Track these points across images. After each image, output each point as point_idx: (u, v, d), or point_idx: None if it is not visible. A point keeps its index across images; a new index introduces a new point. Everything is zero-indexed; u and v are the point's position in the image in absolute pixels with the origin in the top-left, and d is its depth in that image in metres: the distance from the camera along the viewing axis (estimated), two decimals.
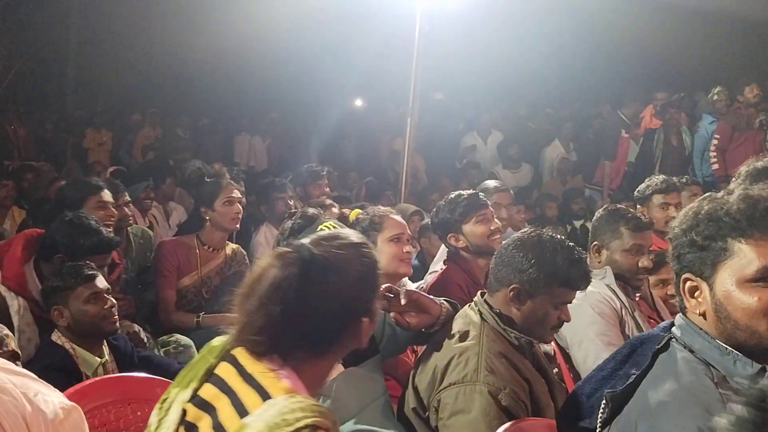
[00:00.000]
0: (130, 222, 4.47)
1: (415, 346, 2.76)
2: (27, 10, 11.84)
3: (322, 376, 1.66)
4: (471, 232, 3.40)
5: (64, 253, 3.13)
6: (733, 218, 1.50)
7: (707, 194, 1.64)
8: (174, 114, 10.99)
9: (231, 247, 4.20)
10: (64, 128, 10.90)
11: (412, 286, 3.49)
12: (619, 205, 3.42)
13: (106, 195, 3.92)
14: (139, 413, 2.19)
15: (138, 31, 11.99)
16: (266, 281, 1.56)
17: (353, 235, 1.71)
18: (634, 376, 1.59)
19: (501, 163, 8.91)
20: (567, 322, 2.30)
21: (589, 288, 3.03)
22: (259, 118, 10.95)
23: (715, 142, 7.46)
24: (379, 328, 2.29)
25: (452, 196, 3.56)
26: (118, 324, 2.94)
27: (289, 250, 1.61)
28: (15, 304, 2.98)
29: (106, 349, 2.92)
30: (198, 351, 3.41)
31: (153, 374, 2.43)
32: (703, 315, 1.55)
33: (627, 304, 3.07)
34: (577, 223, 7.19)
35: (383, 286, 2.23)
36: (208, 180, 4.68)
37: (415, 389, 2.34)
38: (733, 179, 2.90)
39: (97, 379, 2.41)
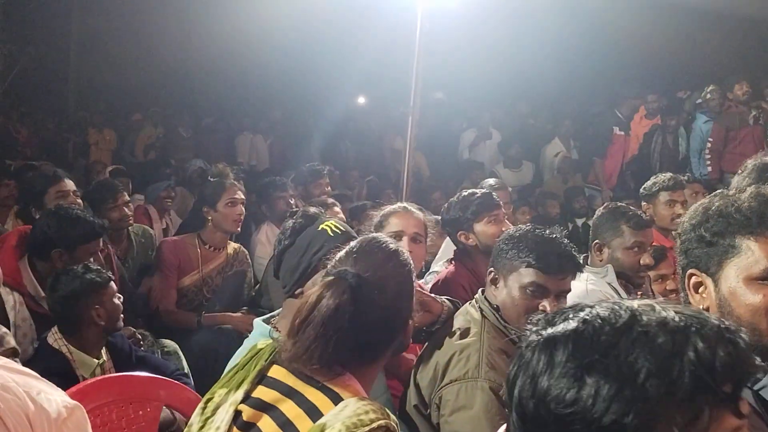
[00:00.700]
0: (130, 222, 4.47)
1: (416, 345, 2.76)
2: (29, 10, 11.86)
3: (373, 378, 1.71)
4: (482, 231, 3.38)
5: (62, 246, 3.15)
6: (743, 215, 1.50)
7: (719, 191, 1.64)
8: (176, 113, 10.99)
9: (232, 246, 4.20)
10: (66, 128, 10.91)
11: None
12: (619, 203, 3.43)
13: (67, 184, 4.04)
14: (140, 412, 2.20)
15: (140, 31, 11.99)
16: (321, 312, 1.58)
17: (387, 243, 1.75)
18: None
19: (502, 161, 8.91)
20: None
21: (591, 286, 3.05)
22: (260, 117, 10.94)
23: (709, 144, 7.46)
24: None
25: (465, 194, 3.53)
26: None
27: (335, 278, 1.64)
28: (10, 299, 2.99)
29: (103, 349, 2.92)
30: (184, 357, 3.46)
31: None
32: (707, 311, 1.54)
33: None
34: (579, 221, 7.20)
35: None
36: (212, 179, 4.68)
37: (417, 386, 2.35)
38: (739, 172, 2.90)
39: (100, 378, 2.42)
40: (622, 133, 8.42)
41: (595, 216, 3.36)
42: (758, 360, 0.90)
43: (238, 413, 1.60)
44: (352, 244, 1.75)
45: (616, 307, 0.90)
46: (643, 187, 4.41)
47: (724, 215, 1.52)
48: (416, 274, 2.90)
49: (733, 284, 1.49)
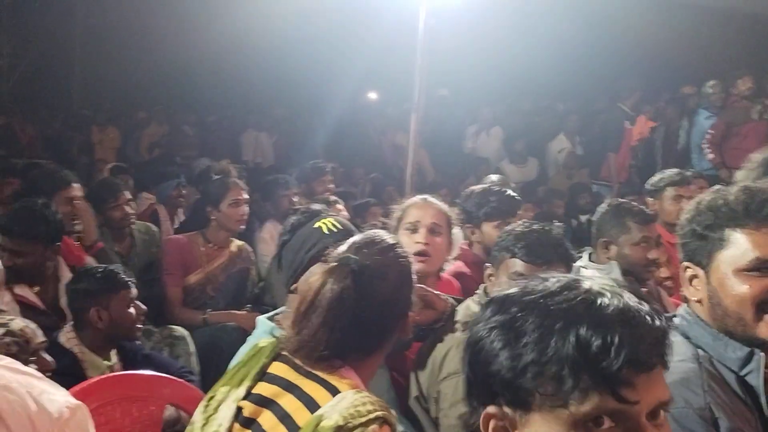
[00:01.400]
0: (132, 221, 4.46)
1: None
2: (33, 9, 11.88)
3: (373, 371, 1.74)
4: (488, 233, 3.36)
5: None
6: (730, 209, 1.54)
7: (715, 187, 1.69)
8: (180, 111, 11.00)
9: (236, 244, 4.20)
10: (71, 126, 10.92)
11: None
12: (621, 200, 3.41)
13: (74, 189, 3.96)
14: (144, 411, 2.20)
15: (143, 29, 11.99)
16: (326, 297, 1.62)
17: (386, 238, 1.78)
18: None
19: (507, 157, 8.89)
20: None
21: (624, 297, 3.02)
22: (265, 114, 10.93)
23: (708, 136, 7.40)
24: None
25: (487, 188, 3.50)
26: (140, 332, 2.99)
27: (338, 264, 1.67)
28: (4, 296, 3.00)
29: (113, 351, 2.92)
30: (194, 344, 3.47)
31: None
32: (700, 302, 1.60)
33: None
34: (584, 218, 7.17)
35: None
36: (215, 178, 4.67)
37: (417, 380, 2.36)
38: (744, 167, 2.89)
39: (103, 377, 2.42)
40: (630, 127, 8.40)
41: (597, 214, 3.35)
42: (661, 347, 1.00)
43: (239, 409, 1.62)
44: (353, 238, 1.78)
45: (557, 281, 1.04)
46: (648, 182, 4.39)
47: (713, 209, 1.57)
48: (438, 266, 2.86)
49: (722, 276, 1.53)
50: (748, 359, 1.52)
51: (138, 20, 12.05)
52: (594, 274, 3.09)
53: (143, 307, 2.96)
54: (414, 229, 2.79)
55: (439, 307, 2.36)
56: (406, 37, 5.34)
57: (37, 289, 3.24)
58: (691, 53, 9.32)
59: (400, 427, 2.34)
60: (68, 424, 1.45)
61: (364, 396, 1.52)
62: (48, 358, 2.37)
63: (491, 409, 1.05)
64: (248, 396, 1.63)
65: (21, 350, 2.23)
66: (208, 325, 3.81)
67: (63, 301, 3.19)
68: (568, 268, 2.40)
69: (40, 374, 1.57)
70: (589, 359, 0.95)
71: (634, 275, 3.14)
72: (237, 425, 1.60)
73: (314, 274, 1.70)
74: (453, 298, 2.48)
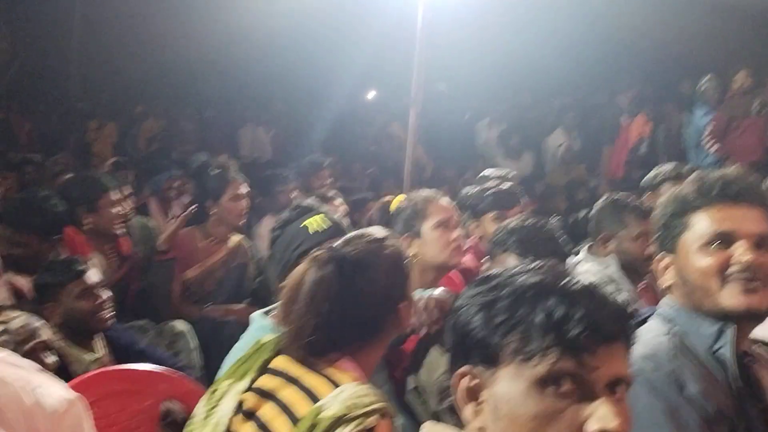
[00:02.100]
0: (128, 217, 4.43)
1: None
2: (30, 3, 11.83)
3: (373, 364, 1.75)
4: (490, 227, 3.34)
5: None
6: (687, 194, 1.69)
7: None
8: (178, 105, 10.96)
9: (235, 239, 4.19)
10: (69, 121, 10.89)
11: None
12: (619, 194, 3.41)
13: (115, 194, 3.90)
14: (141, 405, 2.20)
15: (141, 23, 11.95)
16: (307, 283, 1.65)
17: (376, 232, 1.81)
18: None
19: (502, 152, 8.88)
20: None
21: (593, 278, 3.03)
22: (262, 109, 10.91)
23: (709, 128, 7.36)
24: None
25: (482, 186, 3.50)
26: (111, 319, 2.90)
27: (322, 253, 1.70)
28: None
29: (100, 344, 2.88)
30: (195, 338, 3.47)
31: None
32: (669, 288, 1.72)
33: (631, 294, 3.07)
34: (582, 213, 7.15)
35: (422, 302, 2.27)
36: (214, 172, 4.65)
37: (415, 373, 2.36)
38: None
39: (100, 371, 2.41)
40: (627, 123, 8.38)
41: (595, 209, 3.34)
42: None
43: (241, 402, 1.63)
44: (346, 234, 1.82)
45: (530, 265, 1.17)
46: (644, 178, 4.38)
47: (673, 198, 1.72)
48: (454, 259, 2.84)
49: (687, 255, 1.65)
50: (719, 334, 1.61)
51: (136, 15, 12.00)
52: (592, 269, 3.10)
53: (104, 294, 2.87)
54: (447, 225, 2.79)
55: (447, 308, 2.36)
56: (404, 31, 5.33)
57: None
58: (690, 48, 9.29)
59: (398, 420, 2.35)
60: (64, 417, 1.44)
61: (365, 388, 1.54)
62: (49, 359, 2.34)
63: (464, 368, 1.15)
64: (250, 389, 1.65)
65: (15, 349, 2.22)
66: (206, 319, 3.80)
67: None
68: (562, 262, 2.40)
69: (36, 368, 1.56)
70: (554, 323, 1.06)
71: (633, 269, 3.15)
72: (237, 417, 1.62)
73: (300, 266, 1.73)
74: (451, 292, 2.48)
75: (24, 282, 3.13)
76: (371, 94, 11.60)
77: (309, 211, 2.29)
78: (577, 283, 1.11)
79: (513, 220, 2.43)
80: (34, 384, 1.44)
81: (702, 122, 7.53)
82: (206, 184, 4.20)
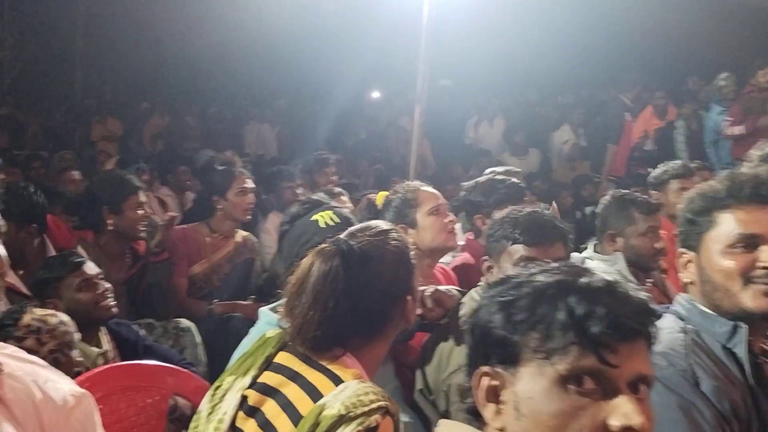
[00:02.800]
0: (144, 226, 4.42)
1: None
2: (35, 1, 11.84)
3: (378, 360, 1.73)
4: None
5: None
6: (715, 193, 1.67)
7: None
8: (183, 102, 10.97)
9: (241, 234, 4.19)
10: (74, 117, 10.91)
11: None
12: (624, 191, 3.40)
13: (143, 196, 3.82)
14: (149, 401, 2.20)
15: (145, 20, 11.96)
16: (313, 277, 1.63)
17: (381, 224, 1.79)
18: None
19: (508, 149, 8.86)
20: None
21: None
22: (267, 106, 10.92)
23: (728, 122, 7.29)
24: None
25: (493, 179, 3.50)
26: (114, 309, 2.90)
27: (328, 246, 1.68)
28: None
29: (105, 338, 2.87)
30: (199, 335, 3.46)
31: None
32: (693, 284, 1.71)
33: None
34: (588, 210, 7.15)
35: (427, 293, 2.27)
36: (220, 168, 4.64)
37: (423, 372, 2.36)
38: (745, 163, 2.88)
39: (108, 366, 2.41)
40: (632, 120, 8.34)
41: (600, 206, 3.33)
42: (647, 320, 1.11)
43: (244, 398, 1.63)
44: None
45: (541, 267, 1.17)
46: (651, 175, 4.37)
47: (701, 195, 1.70)
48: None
49: (710, 254, 1.65)
50: (733, 333, 1.62)
51: (140, 11, 12.01)
52: (599, 266, 3.09)
53: (106, 285, 2.87)
54: (439, 211, 2.90)
55: (448, 305, 2.35)
56: (409, 28, 5.32)
57: (21, 272, 3.19)
58: (699, 44, 9.25)
59: (404, 417, 2.34)
60: (73, 412, 1.44)
61: (367, 386, 1.52)
62: (76, 356, 2.33)
63: (484, 368, 1.14)
64: (253, 385, 1.64)
65: (48, 342, 2.21)
66: (212, 315, 3.80)
67: None
68: (567, 247, 2.39)
69: (45, 363, 1.56)
70: (575, 321, 1.05)
71: (640, 265, 3.14)
72: (241, 413, 1.61)
73: (305, 259, 1.71)
74: (457, 290, 2.48)
75: (12, 274, 3.10)
76: (375, 94, 11.57)
77: (319, 206, 2.28)
78: (598, 280, 1.10)
79: (507, 214, 2.40)
80: (44, 379, 1.44)
81: (718, 120, 7.48)
82: (212, 180, 4.20)
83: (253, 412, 1.60)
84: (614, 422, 1.03)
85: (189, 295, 3.95)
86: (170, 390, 2.33)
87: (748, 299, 1.59)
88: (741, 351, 1.61)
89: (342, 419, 1.45)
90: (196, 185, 6.68)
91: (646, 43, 9.76)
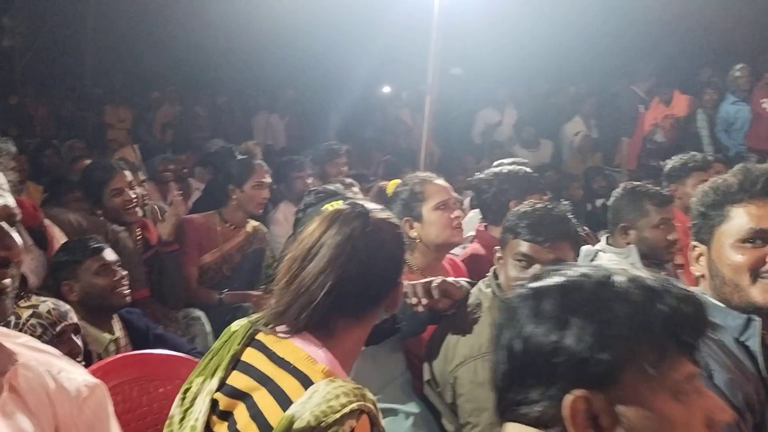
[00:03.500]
0: (146, 201, 4.43)
1: None
2: None
3: (356, 347, 1.67)
4: None
5: None
6: (729, 186, 1.67)
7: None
8: (192, 92, 10.96)
9: (252, 224, 4.20)
10: (84, 106, 10.93)
11: None
12: (636, 183, 3.37)
13: (125, 176, 3.78)
14: (161, 390, 2.21)
15: (155, 9, 11.95)
16: (329, 240, 1.58)
17: (380, 207, 1.76)
18: None
19: (518, 142, 8.82)
20: None
21: (613, 267, 3.01)
22: (276, 96, 10.90)
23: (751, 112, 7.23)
24: (400, 308, 2.29)
25: (508, 171, 3.48)
26: (128, 297, 2.93)
27: (346, 208, 1.63)
28: None
29: (117, 325, 2.90)
30: (211, 325, 3.47)
31: None
32: (704, 277, 1.72)
33: None
34: (598, 202, 7.12)
35: (433, 284, 2.26)
36: (240, 157, 4.61)
37: (430, 364, 2.36)
38: None
39: (121, 356, 2.42)
40: (643, 111, 8.29)
41: (612, 198, 3.31)
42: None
43: (215, 402, 1.58)
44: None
45: (594, 267, 1.09)
46: (668, 167, 4.32)
47: (714, 188, 1.70)
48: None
49: (721, 248, 1.65)
50: (746, 326, 1.63)
51: (150, 1, 12.01)
52: (611, 258, 3.08)
53: (122, 272, 2.90)
54: (446, 206, 2.88)
55: (456, 296, 2.35)
56: (419, 19, 5.29)
57: None
58: (714, 35, 9.17)
59: (414, 409, 2.34)
60: (87, 402, 1.43)
61: (338, 386, 1.43)
62: (79, 340, 2.36)
63: (578, 392, 1.01)
64: (222, 387, 1.59)
65: (45, 332, 2.24)
66: (223, 304, 3.81)
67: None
68: (575, 246, 2.37)
69: (58, 352, 1.56)
70: (676, 328, 1.01)
71: (654, 258, 3.13)
72: (215, 418, 1.57)
73: (311, 226, 1.66)
74: (467, 281, 2.47)
75: None
76: (386, 86, 11.52)
77: (334, 195, 2.28)
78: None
79: (522, 206, 2.40)
80: (58, 368, 1.43)
81: (731, 110, 7.43)
82: (230, 169, 4.19)
83: (225, 416, 1.56)
84: (720, 416, 1.05)
85: (199, 284, 3.96)
86: (183, 379, 2.33)
87: (758, 294, 1.60)
88: (754, 344, 1.61)
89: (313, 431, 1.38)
90: (200, 173, 6.66)
91: (662, 33, 9.67)
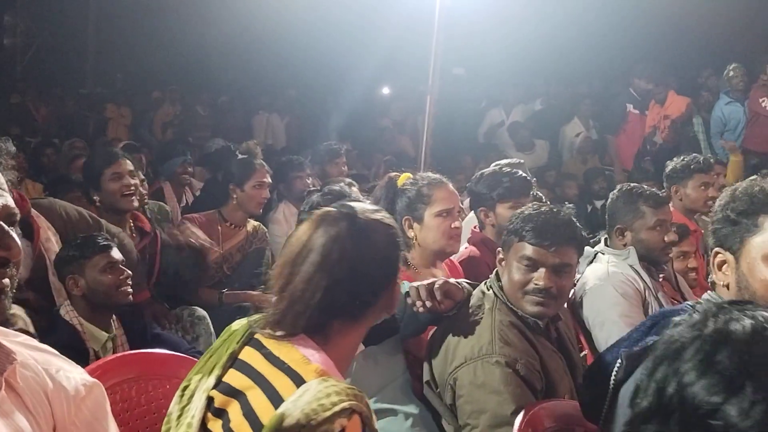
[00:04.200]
0: (146, 200, 4.43)
1: None
2: None
3: (352, 349, 1.67)
4: (502, 215, 3.31)
5: None
6: (766, 195, 1.57)
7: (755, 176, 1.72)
8: (193, 91, 10.96)
9: (252, 224, 4.21)
10: (85, 105, 10.94)
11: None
12: (632, 185, 3.38)
13: (125, 164, 3.70)
14: (160, 389, 2.20)
15: (156, 9, 11.96)
16: (317, 242, 1.57)
17: (376, 207, 1.76)
18: (652, 341, 1.62)
19: (513, 145, 8.79)
20: (545, 288, 2.25)
21: (612, 269, 3.03)
22: (277, 95, 10.89)
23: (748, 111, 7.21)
24: (400, 308, 2.29)
25: (498, 171, 3.49)
26: (130, 296, 2.94)
27: (332, 210, 1.62)
28: None
29: (115, 324, 2.92)
30: (213, 325, 3.47)
31: None
32: (727, 287, 1.62)
33: (650, 285, 3.05)
34: (598, 203, 7.12)
35: (436, 286, 2.25)
36: (241, 157, 4.62)
37: (430, 364, 2.36)
38: None
39: (119, 355, 2.43)
40: (638, 111, 8.26)
41: (608, 200, 3.32)
42: None
43: (210, 399, 1.58)
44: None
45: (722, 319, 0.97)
46: (669, 168, 4.33)
47: (748, 195, 1.60)
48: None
49: (752, 261, 1.55)
50: None
51: (151, 1, 12.01)
52: (610, 259, 3.08)
53: (127, 271, 2.91)
54: (449, 215, 2.87)
55: (458, 297, 2.35)
56: (420, 19, 5.29)
57: None
58: (713, 36, 9.16)
59: (413, 410, 2.34)
60: (85, 401, 1.44)
61: (329, 385, 1.43)
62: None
63: None
64: (218, 385, 1.59)
65: None
66: (223, 304, 3.81)
67: None
68: (579, 250, 2.37)
69: (56, 351, 1.56)
70: None
71: (651, 260, 3.13)
72: (210, 415, 1.57)
73: (299, 229, 1.65)
74: (468, 283, 2.47)
75: None
76: (386, 87, 11.51)
77: (340, 196, 2.28)
78: None
79: (526, 208, 2.40)
80: (56, 368, 1.43)
81: (725, 110, 7.42)
82: (231, 169, 4.20)
83: (220, 414, 1.56)
84: None
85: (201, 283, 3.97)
86: (181, 379, 2.33)
87: None
88: None
89: (303, 429, 1.37)
90: (200, 173, 6.66)
91: (661, 34, 9.66)
